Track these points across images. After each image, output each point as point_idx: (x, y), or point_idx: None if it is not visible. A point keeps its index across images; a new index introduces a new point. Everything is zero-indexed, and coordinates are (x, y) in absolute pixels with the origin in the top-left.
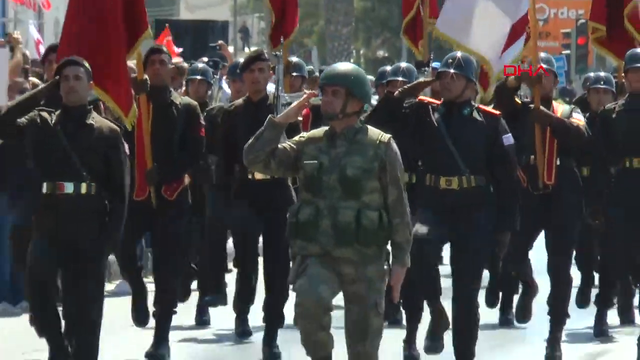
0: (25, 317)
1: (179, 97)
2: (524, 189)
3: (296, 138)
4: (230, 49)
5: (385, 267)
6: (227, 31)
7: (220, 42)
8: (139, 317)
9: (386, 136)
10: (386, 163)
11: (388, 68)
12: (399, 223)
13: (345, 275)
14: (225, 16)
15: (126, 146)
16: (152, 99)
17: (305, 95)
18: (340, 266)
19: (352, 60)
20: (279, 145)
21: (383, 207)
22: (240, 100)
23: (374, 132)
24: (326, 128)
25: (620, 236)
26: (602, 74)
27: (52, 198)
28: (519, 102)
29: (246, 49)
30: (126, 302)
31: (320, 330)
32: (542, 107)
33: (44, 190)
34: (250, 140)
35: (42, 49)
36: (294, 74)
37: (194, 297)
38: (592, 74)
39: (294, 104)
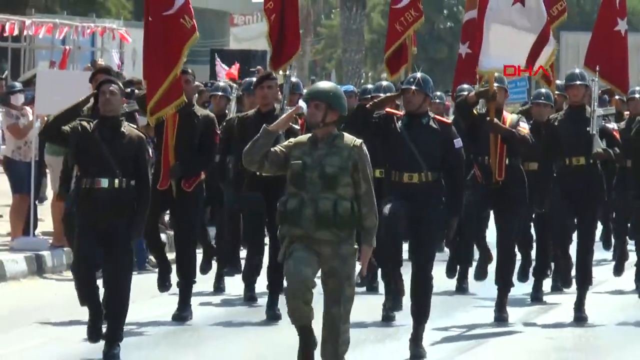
0: None
1: (200, 110)
2: (480, 183)
3: (285, 143)
4: None
5: (355, 246)
6: (265, 58)
7: (258, 67)
8: (163, 286)
9: (358, 141)
10: (358, 163)
11: (370, 86)
12: (367, 211)
13: (323, 254)
14: (263, 46)
15: (150, 149)
16: (178, 110)
17: (290, 111)
18: (319, 246)
19: (362, 81)
20: (272, 149)
21: (355, 198)
22: (252, 111)
23: (348, 137)
24: (310, 135)
25: (561, 219)
26: (542, 90)
27: (91, 191)
28: (476, 113)
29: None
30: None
31: (303, 305)
32: (495, 120)
33: (83, 185)
34: (247, 145)
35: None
36: (295, 92)
37: (213, 270)
38: (535, 91)
39: (283, 116)
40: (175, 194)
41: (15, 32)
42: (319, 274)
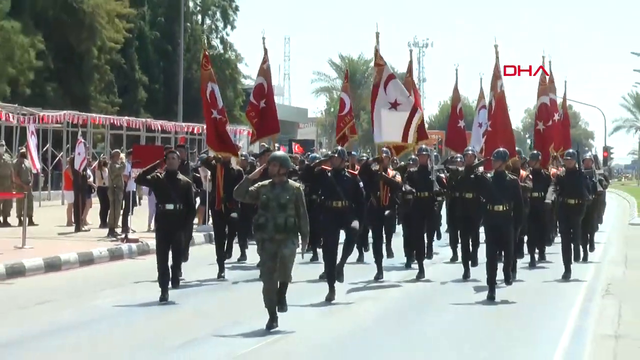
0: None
1: (236, 165)
2: (375, 206)
3: (256, 185)
4: None
5: (295, 243)
6: (313, 144)
7: (313, 148)
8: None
9: (298, 185)
10: (298, 197)
11: (317, 154)
12: (303, 225)
13: (280, 247)
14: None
15: (194, 187)
16: (223, 165)
17: (259, 168)
18: (278, 243)
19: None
20: (250, 188)
21: (296, 216)
22: (261, 168)
23: (293, 183)
24: (270, 180)
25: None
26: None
27: (162, 212)
28: (373, 170)
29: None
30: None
31: (271, 284)
32: (382, 173)
33: (160, 208)
34: (237, 186)
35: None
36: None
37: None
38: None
39: (257, 170)
40: (224, 211)
41: None
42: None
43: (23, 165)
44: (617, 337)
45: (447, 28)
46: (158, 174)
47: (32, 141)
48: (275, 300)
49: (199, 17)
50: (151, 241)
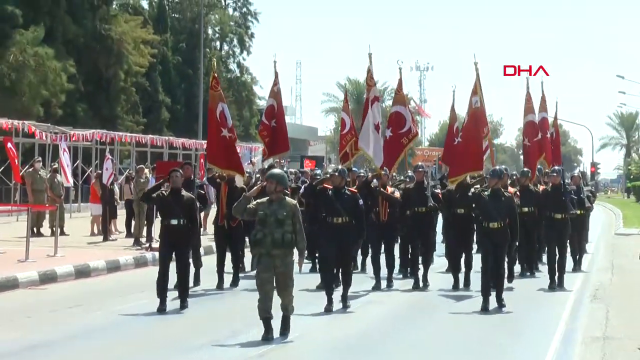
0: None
1: (241, 184)
2: (375, 221)
3: (255, 202)
4: None
5: (293, 258)
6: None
7: (324, 164)
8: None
9: (294, 201)
10: (295, 213)
11: (318, 171)
12: (300, 239)
13: (276, 263)
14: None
15: (198, 204)
16: (228, 183)
17: (258, 185)
18: (274, 259)
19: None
20: (248, 205)
21: (293, 232)
22: (259, 186)
23: (290, 200)
24: (267, 198)
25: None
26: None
27: (167, 227)
28: (373, 186)
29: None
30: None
31: (266, 297)
32: (381, 189)
33: (164, 223)
34: (235, 203)
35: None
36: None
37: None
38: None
39: (255, 188)
40: (226, 227)
41: None
42: None
43: (56, 180)
44: (605, 339)
45: (447, 53)
46: (163, 192)
47: (64, 157)
48: (271, 313)
49: (217, 43)
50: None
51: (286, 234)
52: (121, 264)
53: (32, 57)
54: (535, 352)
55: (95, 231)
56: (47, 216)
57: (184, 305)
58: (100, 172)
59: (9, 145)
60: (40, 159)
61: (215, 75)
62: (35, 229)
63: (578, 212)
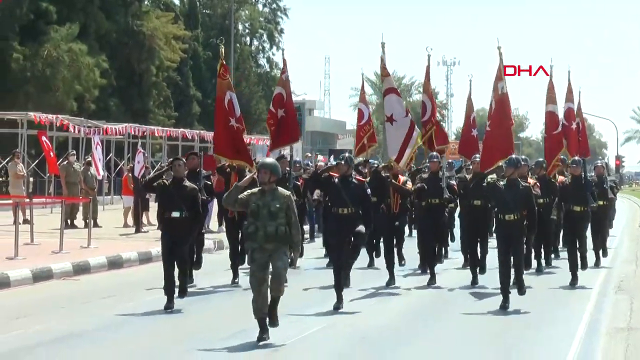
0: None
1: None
2: (384, 213)
3: (247, 192)
4: None
5: (288, 253)
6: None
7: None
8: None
9: (288, 193)
10: (289, 205)
11: (321, 163)
12: (295, 233)
13: (271, 257)
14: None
15: (204, 194)
16: (238, 173)
17: (249, 175)
18: (268, 253)
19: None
20: (240, 196)
21: (287, 225)
22: (251, 175)
23: (283, 190)
24: (260, 188)
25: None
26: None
27: (168, 219)
28: (383, 175)
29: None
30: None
31: (261, 297)
32: (392, 180)
33: (165, 215)
34: (226, 193)
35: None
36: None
37: None
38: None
39: (246, 177)
40: (237, 218)
41: None
42: None
43: (89, 173)
44: (630, 330)
45: (473, 47)
46: (164, 181)
47: (97, 151)
48: (266, 313)
49: (247, 39)
50: (206, 241)
51: (280, 226)
52: (153, 256)
53: (66, 53)
54: (559, 343)
55: (129, 223)
56: (81, 208)
57: (183, 290)
58: (132, 165)
59: (44, 138)
60: (74, 152)
61: (224, 62)
62: (69, 221)
63: (600, 202)
